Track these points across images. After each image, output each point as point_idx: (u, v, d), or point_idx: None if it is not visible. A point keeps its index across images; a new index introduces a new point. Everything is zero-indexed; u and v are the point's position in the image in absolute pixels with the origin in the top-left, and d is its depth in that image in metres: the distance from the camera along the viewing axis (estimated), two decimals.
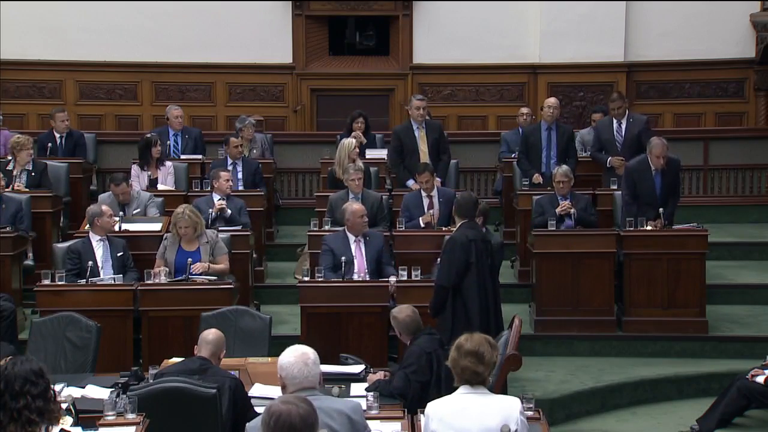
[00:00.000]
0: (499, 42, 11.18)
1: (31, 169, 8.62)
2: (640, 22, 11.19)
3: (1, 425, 3.59)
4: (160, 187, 8.74)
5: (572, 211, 8.10)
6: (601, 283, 7.76)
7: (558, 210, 8.10)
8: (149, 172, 8.80)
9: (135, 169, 8.87)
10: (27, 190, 8.42)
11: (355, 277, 7.11)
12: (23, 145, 8.59)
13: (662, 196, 7.92)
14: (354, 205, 7.41)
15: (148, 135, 9.08)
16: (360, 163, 8.56)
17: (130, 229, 7.78)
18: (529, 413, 4.63)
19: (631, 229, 7.81)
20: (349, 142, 8.89)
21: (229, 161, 8.96)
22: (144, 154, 8.83)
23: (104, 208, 7.47)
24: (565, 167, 8.31)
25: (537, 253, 7.87)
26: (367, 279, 7.05)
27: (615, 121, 8.92)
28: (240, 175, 8.97)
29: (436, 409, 4.00)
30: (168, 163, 8.98)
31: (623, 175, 8.21)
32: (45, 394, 3.65)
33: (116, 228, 7.68)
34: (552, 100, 9.14)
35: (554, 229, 7.92)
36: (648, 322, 7.79)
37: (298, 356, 3.92)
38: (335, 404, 3.93)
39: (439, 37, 11.20)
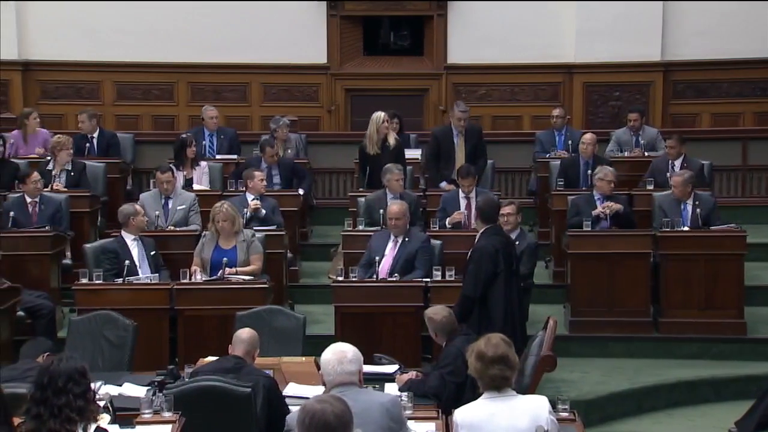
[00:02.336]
0: (534, 42, 11.12)
1: (70, 169, 8.73)
2: (676, 20, 11.08)
3: (41, 420, 3.65)
4: (195, 186, 8.80)
5: (619, 208, 7.98)
6: (636, 284, 7.70)
7: (602, 210, 7.98)
8: (184, 172, 8.86)
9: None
10: (66, 189, 8.52)
11: (380, 276, 7.11)
12: (63, 145, 8.70)
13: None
14: (392, 206, 7.44)
15: (183, 136, 9.16)
16: (392, 139, 8.54)
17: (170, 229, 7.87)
18: (564, 414, 4.61)
19: (668, 230, 7.75)
20: (378, 115, 8.84)
21: (264, 164, 8.97)
22: (179, 154, 8.90)
23: (138, 207, 7.53)
24: (607, 167, 8.22)
25: (572, 254, 7.83)
26: (387, 278, 7.03)
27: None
28: (277, 179, 9.00)
29: (464, 417, 3.96)
30: (203, 164, 9.04)
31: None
32: (86, 393, 3.71)
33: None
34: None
35: (589, 229, 7.86)
36: (685, 324, 7.72)
37: (335, 353, 4.00)
38: (374, 397, 3.97)
39: (474, 37, 11.17)
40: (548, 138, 10.03)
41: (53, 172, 8.66)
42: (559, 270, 8.49)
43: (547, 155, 9.75)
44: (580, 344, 7.68)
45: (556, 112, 10.15)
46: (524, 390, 4.84)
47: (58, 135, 9.02)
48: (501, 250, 6.34)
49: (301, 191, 8.98)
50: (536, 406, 3.95)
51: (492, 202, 6.63)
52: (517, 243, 7.38)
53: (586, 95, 11.09)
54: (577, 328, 7.76)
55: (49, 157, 8.84)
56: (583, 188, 8.77)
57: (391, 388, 5.37)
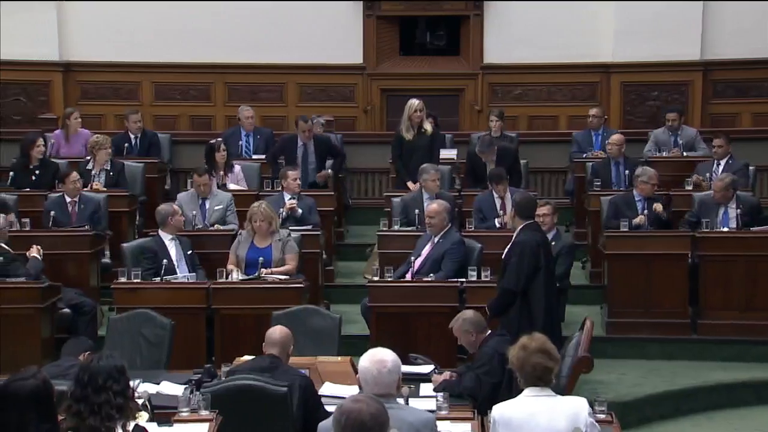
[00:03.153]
0: (571, 41, 11.04)
1: (109, 168, 8.82)
2: (716, 19, 10.95)
3: (81, 417, 3.70)
4: (231, 186, 8.84)
5: (661, 211, 7.91)
6: (674, 285, 7.63)
7: (656, 211, 7.90)
8: (217, 178, 8.70)
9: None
10: (105, 189, 8.62)
11: (408, 276, 7.15)
12: (102, 145, 8.80)
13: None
14: (430, 205, 7.47)
15: (212, 141, 9.09)
16: (428, 126, 8.59)
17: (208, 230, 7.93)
18: (602, 416, 4.58)
19: (707, 230, 7.67)
20: (411, 102, 8.85)
21: (300, 141, 9.03)
22: (209, 160, 8.83)
23: (175, 207, 7.59)
24: (650, 169, 8.14)
25: (609, 255, 7.77)
26: (411, 278, 7.06)
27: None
28: (313, 157, 9.09)
29: (502, 414, 3.95)
30: (236, 168, 8.95)
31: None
32: (125, 391, 3.76)
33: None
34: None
35: (627, 230, 7.80)
36: (724, 326, 7.63)
37: (374, 362, 3.87)
38: (407, 416, 3.86)
39: (510, 37, 11.12)
40: (585, 138, 9.97)
41: (92, 172, 8.76)
42: (596, 271, 8.44)
43: (584, 155, 9.69)
44: (617, 346, 7.62)
45: (593, 111, 10.08)
46: (560, 391, 4.80)
47: (97, 135, 9.12)
48: (542, 245, 6.31)
49: (330, 171, 9.03)
50: (576, 407, 3.93)
51: (529, 198, 6.60)
52: (553, 243, 7.34)
53: (623, 95, 10.99)
54: (614, 330, 7.71)
55: (88, 157, 8.94)
56: (616, 189, 8.71)
57: (427, 389, 5.37)
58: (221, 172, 8.80)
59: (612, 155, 9.03)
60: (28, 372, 3.65)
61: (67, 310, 7.15)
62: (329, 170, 9.14)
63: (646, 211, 7.95)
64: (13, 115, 11.14)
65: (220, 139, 9.27)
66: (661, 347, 7.64)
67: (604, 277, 7.96)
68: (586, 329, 5.87)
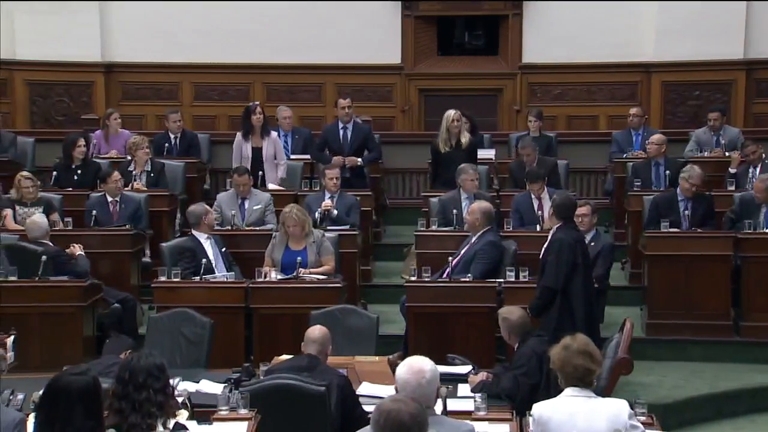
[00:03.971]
0: (611, 40, 10.95)
1: (149, 169, 8.90)
2: (760, 18, 10.78)
3: (123, 414, 3.74)
4: (270, 186, 8.88)
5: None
6: (716, 287, 7.54)
7: None
8: (252, 143, 8.82)
9: (238, 138, 8.96)
10: (145, 189, 8.70)
11: (445, 276, 7.14)
12: (138, 145, 8.89)
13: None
14: (472, 204, 7.50)
15: (249, 104, 9.18)
16: (466, 137, 8.61)
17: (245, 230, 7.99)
18: (642, 418, 4.53)
19: (749, 231, 7.57)
20: (449, 113, 8.85)
21: (340, 123, 9.12)
22: (245, 123, 8.88)
23: (207, 206, 7.62)
24: (696, 168, 8.05)
25: (649, 255, 7.70)
26: (448, 278, 7.05)
27: None
28: (347, 144, 9.20)
29: (542, 412, 3.93)
30: (273, 134, 9.03)
31: None
32: (165, 389, 3.79)
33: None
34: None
35: (668, 230, 7.72)
36: (767, 328, 7.52)
37: (414, 373, 3.76)
38: (446, 429, 3.81)
39: (550, 36, 11.05)
40: (625, 138, 9.88)
41: (133, 173, 8.85)
42: (636, 272, 8.36)
43: (624, 155, 9.60)
44: (657, 347, 7.55)
45: (633, 111, 9.99)
46: (600, 393, 4.76)
47: (135, 136, 9.21)
48: (579, 243, 6.27)
49: (359, 160, 9.07)
50: (616, 409, 3.89)
51: (569, 200, 6.54)
52: (592, 244, 7.30)
53: (664, 94, 10.87)
54: (654, 331, 7.63)
55: (129, 157, 9.03)
56: (656, 189, 8.62)
57: (465, 389, 5.36)
58: (257, 137, 8.83)
59: (652, 155, 8.94)
60: (80, 368, 3.70)
61: (117, 305, 7.26)
62: (358, 159, 9.13)
63: (687, 211, 7.85)
64: (57, 115, 11.29)
65: (257, 102, 9.28)
66: (702, 349, 7.55)
67: (644, 278, 7.88)
68: (626, 330, 5.82)
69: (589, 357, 3.91)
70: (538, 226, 7.94)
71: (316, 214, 8.00)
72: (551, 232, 6.42)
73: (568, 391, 3.93)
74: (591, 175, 10.28)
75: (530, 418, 4.02)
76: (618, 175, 9.41)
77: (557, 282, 6.19)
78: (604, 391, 5.31)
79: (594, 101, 11.23)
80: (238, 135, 9.01)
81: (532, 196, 8.13)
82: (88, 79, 11.26)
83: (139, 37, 11.20)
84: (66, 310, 6.85)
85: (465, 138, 8.78)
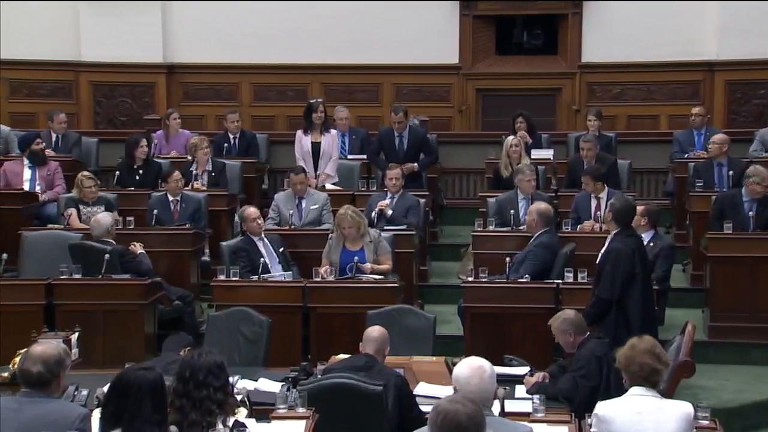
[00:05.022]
0: (672, 39, 10.79)
1: (210, 169, 9.01)
2: None
3: (183, 412, 3.79)
4: (327, 186, 8.94)
5: None
6: None
7: None
8: (312, 137, 8.90)
9: (298, 133, 9.05)
10: (204, 188, 8.81)
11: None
12: (198, 146, 9.01)
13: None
14: (531, 205, 7.48)
15: (311, 100, 9.25)
16: (527, 160, 8.56)
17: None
18: (705, 422, 4.46)
19: None
20: (508, 139, 8.95)
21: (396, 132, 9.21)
22: (307, 118, 8.94)
23: (251, 210, 7.63)
24: (761, 168, 7.88)
25: (711, 257, 7.57)
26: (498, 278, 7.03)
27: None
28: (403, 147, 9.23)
29: (607, 411, 3.89)
30: (333, 131, 9.08)
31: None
32: (225, 387, 3.84)
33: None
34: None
35: (731, 231, 7.58)
36: None
37: (474, 368, 3.82)
38: (504, 430, 3.81)
39: (610, 35, 10.94)
40: (687, 138, 9.72)
41: (194, 172, 8.96)
42: (697, 273, 8.23)
43: (686, 156, 9.46)
44: (720, 350, 7.41)
45: (695, 110, 9.82)
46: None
47: (195, 136, 9.33)
48: (637, 251, 6.17)
49: (415, 166, 9.06)
50: (684, 411, 3.82)
51: (629, 205, 6.41)
52: (651, 244, 7.20)
53: (727, 93, 10.69)
54: (716, 334, 7.50)
55: (189, 158, 9.15)
56: (719, 190, 8.48)
57: (522, 390, 5.33)
58: (317, 132, 8.87)
59: (713, 155, 8.79)
60: (145, 365, 3.77)
61: (178, 302, 7.37)
62: (415, 165, 9.12)
63: (752, 212, 7.69)
64: (120, 116, 11.50)
65: (320, 99, 9.36)
66: (766, 353, 7.40)
67: (706, 280, 7.75)
68: (688, 333, 5.74)
69: (655, 357, 3.87)
70: (596, 226, 7.86)
71: (372, 214, 8.02)
72: (608, 238, 6.31)
73: (634, 390, 3.88)
74: (651, 176, 10.15)
75: (592, 419, 3.97)
76: (679, 176, 9.28)
77: (612, 293, 6.08)
78: (665, 395, 5.23)
79: (654, 101, 11.09)
80: (299, 131, 9.11)
81: (592, 196, 8.04)
82: (150, 80, 11.44)
83: (200, 38, 11.34)
84: (128, 307, 6.96)
85: (526, 161, 8.76)
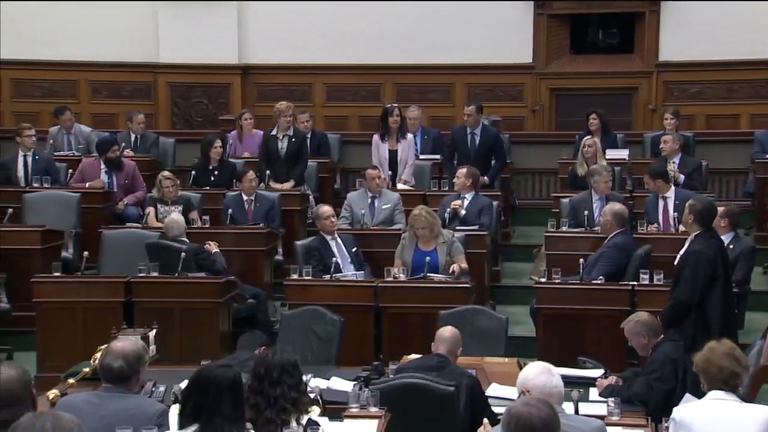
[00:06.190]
0: (754, 36, 10.52)
1: (291, 134, 9.13)
2: None
3: (258, 409, 3.84)
4: (399, 186, 8.94)
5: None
6: None
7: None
8: (388, 145, 8.90)
9: (375, 139, 9.05)
10: (279, 188, 8.90)
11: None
12: (283, 112, 9.19)
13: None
14: (605, 206, 7.42)
15: (387, 105, 9.28)
16: (603, 162, 8.44)
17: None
18: None
19: None
20: (584, 140, 8.92)
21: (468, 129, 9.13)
22: (383, 124, 8.96)
23: (324, 209, 7.67)
24: None
25: None
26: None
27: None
28: (475, 146, 9.19)
29: (685, 415, 3.81)
30: (409, 136, 9.09)
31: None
32: (298, 385, 3.87)
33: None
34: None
35: None
36: None
37: (542, 368, 3.90)
38: (578, 425, 3.80)
39: (688, 33, 10.72)
40: None
41: (267, 172, 9.07)
42: None
43: (767, 156, 9.22)
44: None
45: None
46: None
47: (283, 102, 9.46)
48: (719, 254, 6.02)
49: (486, 179, 8.95)
50: (765, 416, 3.72)
51: (711, 206, 6.24)
52: (731, 247, 7.05)
53: None
54: None
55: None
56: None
57: (596, 393, 5.26)
58: (394, 140, 8.93)
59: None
60: (226, 361, 3.82)
61: (252, 300, 7.47)
62: (485, 179, 8.99)
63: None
64: (196, 116, 11.69)
65: (396, 104, 9.37)
66: None
67: None
68: None
69: (734, 359, 3.78)
70: (653, 227, 7.71)
71: (445, 215, 8.01)
72: (689, 239, 6.13)
73: (712, 394, 3.79)
74: (730, 176, 9.93)
75: (669, 423, 3.90)
76: (760, 176, 9.07)
77: (692, 297, 5.92)
78: (746, 399, 5.11)
79: (734, 99, 10.83)
80: (376, 136, 9.15)
81: (659, 197, 7.90)
82: (225, 81, 11.60)
83: (274, 39, 11.45)
84: (204, 305, 7.07)
85: (602, 162, 8.66)
